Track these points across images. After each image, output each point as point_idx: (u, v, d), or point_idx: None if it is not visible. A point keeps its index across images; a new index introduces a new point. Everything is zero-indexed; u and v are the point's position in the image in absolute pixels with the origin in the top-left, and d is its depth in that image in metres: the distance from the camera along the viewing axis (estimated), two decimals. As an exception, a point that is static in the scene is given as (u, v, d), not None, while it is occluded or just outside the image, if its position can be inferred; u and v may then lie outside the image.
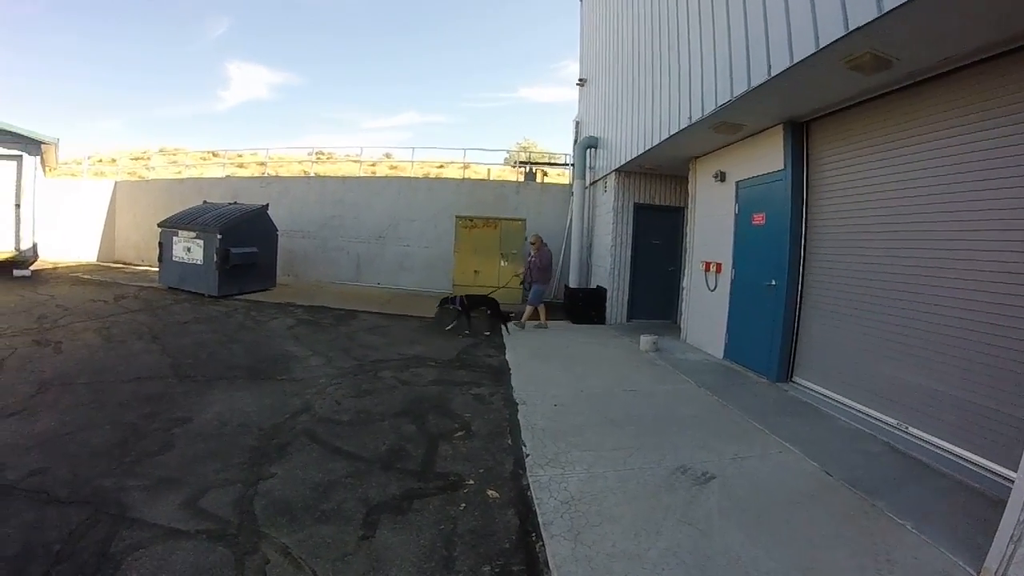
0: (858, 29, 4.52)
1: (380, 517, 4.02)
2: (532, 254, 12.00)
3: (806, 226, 7.24)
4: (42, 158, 17.53)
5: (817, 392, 6.82)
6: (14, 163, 16.63)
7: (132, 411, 6.16)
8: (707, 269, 9.44)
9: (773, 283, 7.52)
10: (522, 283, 12.54)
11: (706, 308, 9.52)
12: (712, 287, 9.25)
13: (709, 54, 7.42)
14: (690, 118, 7.98)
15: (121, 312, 11.87)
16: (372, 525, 3.91)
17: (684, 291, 10.63)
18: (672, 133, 8.67)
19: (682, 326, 10.59)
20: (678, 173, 11.37)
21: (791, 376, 7.37)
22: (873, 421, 5.82)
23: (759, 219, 8.12)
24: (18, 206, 16.66)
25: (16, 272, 16.37)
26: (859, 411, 6.09)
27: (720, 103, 7.09)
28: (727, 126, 7.98)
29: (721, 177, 9.19)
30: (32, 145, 16.78)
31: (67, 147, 19.01)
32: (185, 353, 8.70)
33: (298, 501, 4.25)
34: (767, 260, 7.74)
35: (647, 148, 9.86)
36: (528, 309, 11.94)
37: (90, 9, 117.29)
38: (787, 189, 7.35)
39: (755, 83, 6.21)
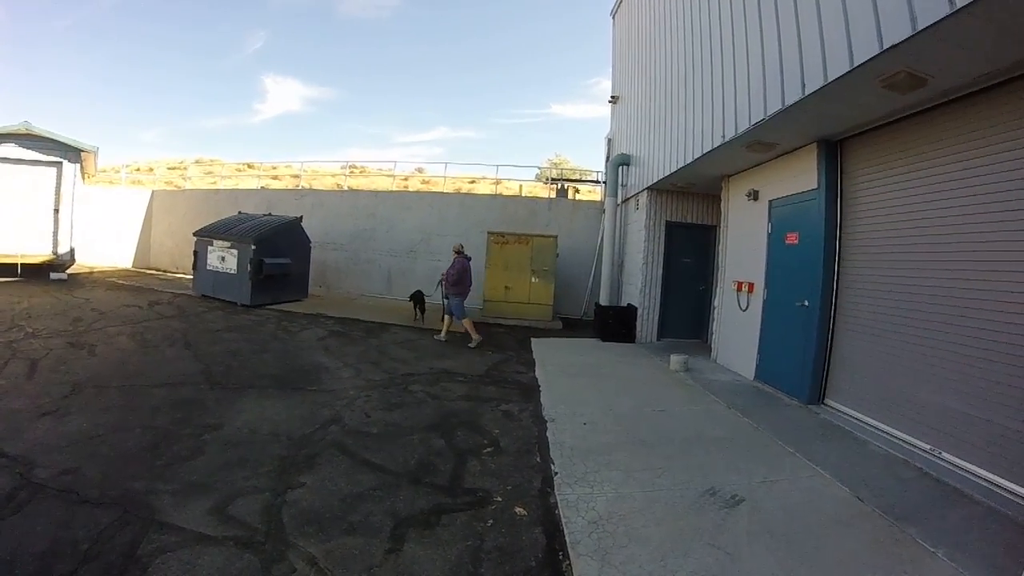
0: (893, 47, 4.49)
1: (408, 531, 4.04)
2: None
3: (840, 246, 7.14)
4: (81, 166, 18.10)
5: (849, 415, 6.70)
6: (54, 169, 17.26)
7: (164, 416, 6.28)
8: (739, 289, 9.34)
9: (806, 304, 7.42)
10: (444, 297, 12.08)
11: (737, 328, 9.42)
12: (744, 307, 9.17)
13: (742, 72, 7.41)
14: (723, 136, 7.94)
15: (155, 318, 12.11)
16: (400, 538, 3.93)
17: (715, 310, 10.52)
18: (705, 151, 8.63)
19: (713, 346, 10.46)
20: (710, 191, 11.31)
21: (823, 398, 7.25)
22: (906, 446, 5.70)
23: (792, 239, 8.03)
24: (57, 211, 17.27)
25: (53, 275, 16.93)
26: (892, 435, 5.97)
27: (754, 121, 7.04)
28: (760, 145, 7.93)
29: (754, 196, 9.12)
30: (72, 153, 17.39)
31: (106, 156, 19.52)
32: (217, 360, 8.84)
33: (326, 511, 4.29)
34: (800, 280, 7.64)
35: (679, 166, 9.82)
36: (447, 320, 11.89)
37: (131, 25, 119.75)
38: (821, 208, 7.27)
39: (789, 102, 6.16)
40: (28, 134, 16.77)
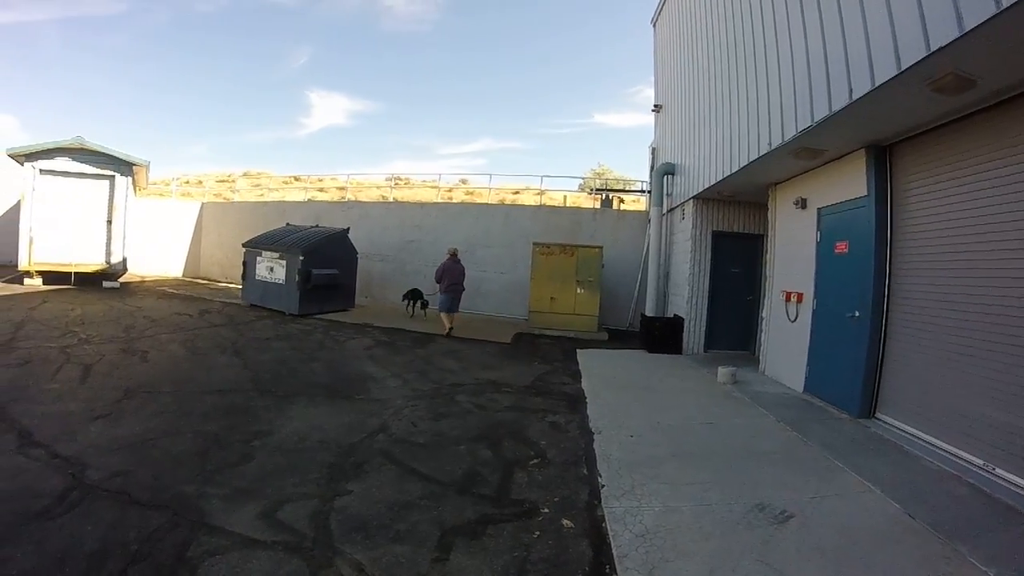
0: (940, 49, 4.41)
1: (454, 540, 4.06)
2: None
3: (891, 255, 6.98)
4: (133, 179, 18.73)
5: (901, 429, 6.52)
6: (107, 182, 17.87)
7: (214, 422, 6.42)
8: (787, 299, 9.20)
9: (856, 314, 7.27)
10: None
11: (786, 339, 9.27)
12: (792, 318, 9.03)
13: (787, 78, 7.33)
14: (769, 144, 7.86)
15: (205, 326, 12.40)
16: (446, 548, 3.95)
17: (763, 321, 10.37)
18: (751, 160, 8.54)
19: (761, 357, 10.33)
20: (757, 200, 11.14)
21: (874, 412, 7.07)
22: (958, 461, 5.54)
23: (842, 247, 7.89)
24: (110, 222, 17.86)
25: (106, 284, 17.59)
26: (944, 450, 5.80)
27: (800, 128, 6.96)
28: (807, 152, 7.80)
29: (802, 204, 8.98)
30: (124, 166, 18.00)
31: (157, 169, 20.16)
32: (266, 368, 9.00)
33: (373, 519, 4.33)
34: (850, 290, 7.50)
35: (725, 175, 9.76)
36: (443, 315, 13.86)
37: (181, 41, 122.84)
38: (870, 216, 7.13)
39: (836, 107, 6.08)
40: (82, 148, 17.38)
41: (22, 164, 17.19)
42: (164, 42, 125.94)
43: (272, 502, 4.52)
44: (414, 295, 16.32)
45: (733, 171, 9.35)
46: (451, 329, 13.56)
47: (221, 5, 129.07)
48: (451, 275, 13.91)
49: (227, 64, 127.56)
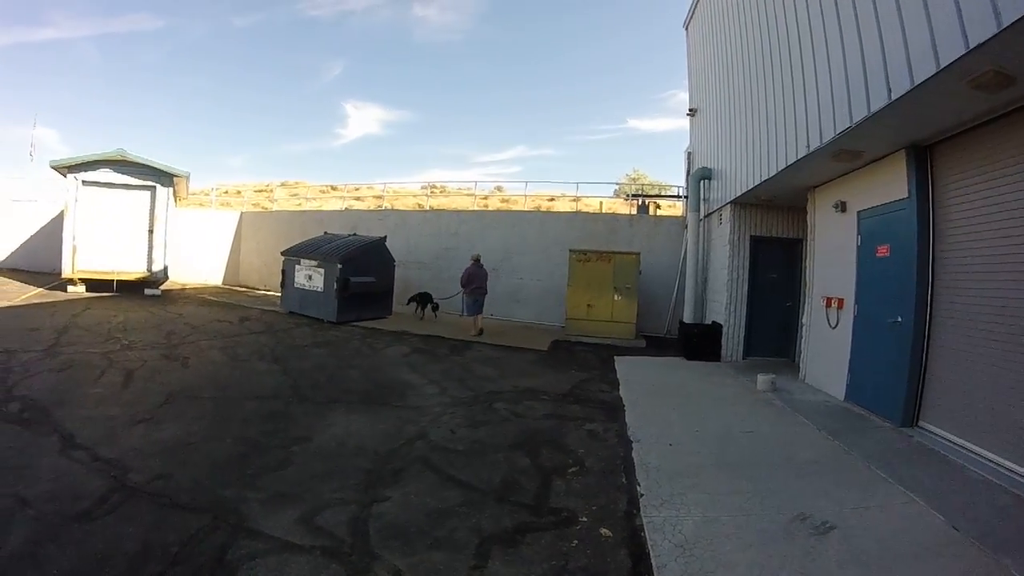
0: (979, 46, 4.33)
1: (492, 548, 4.07)
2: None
3: (933, 258, 6.81)
4: (174, 189, 19.12)
5: (944, 438, 6.36)
6: (148, 193, 18.27)
7: (253, 427, 6.53)
8: (828, 305, 9.04)
9: (898, 320, 7.12)
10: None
11: (826, 346, 9.12)
12: (833, 324, 8.88)
13: (824, 79, 7.25)
14: (808, 146, 7.77)
15: (245, 333, 12.59)
16: (484, 555, 3.97)
17: (803, 328, 10.21)
18: (789, 163, 8.46)
19: (801, 365, 10.17)
20: (796, 204, 10.95)
21: (917, 421, 6.90)
22: (1004, 471, 5.39)
23: (883, 251, 7.75)
24: (151, 231, 18.26)
25: (147, 291, 17.92)
26: (989, 460, 5.65)
27: (839, 130, 6.86)
28: (847, 153, 7.69)
29: (841, 207, 8.84)
30: (164, 177, 18.39)
31: (196, 180, 20.59)
32: (305, 375, 9.11)
33: (411, 526, 4.36)
34: (892, 295, 7.35)
35: (763, 179, 9.67)
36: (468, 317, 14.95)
37: (218, 55, 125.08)
38: (911, 218, 6.97)
39: (875, 108, 5.99)
40: (123, 160, 17.81)
41: (65, 176, 17.67)
42: (201, 56, 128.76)
43: (311, 507, 4.58)
44: (423, 298, 16.92)
45: (771, 175, 9.27)
46: (481, 331, 14.36)
47: (256, 20, 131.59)
48: (476, 280, 14.78)
49: (264, 77, 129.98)
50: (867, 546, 4.02)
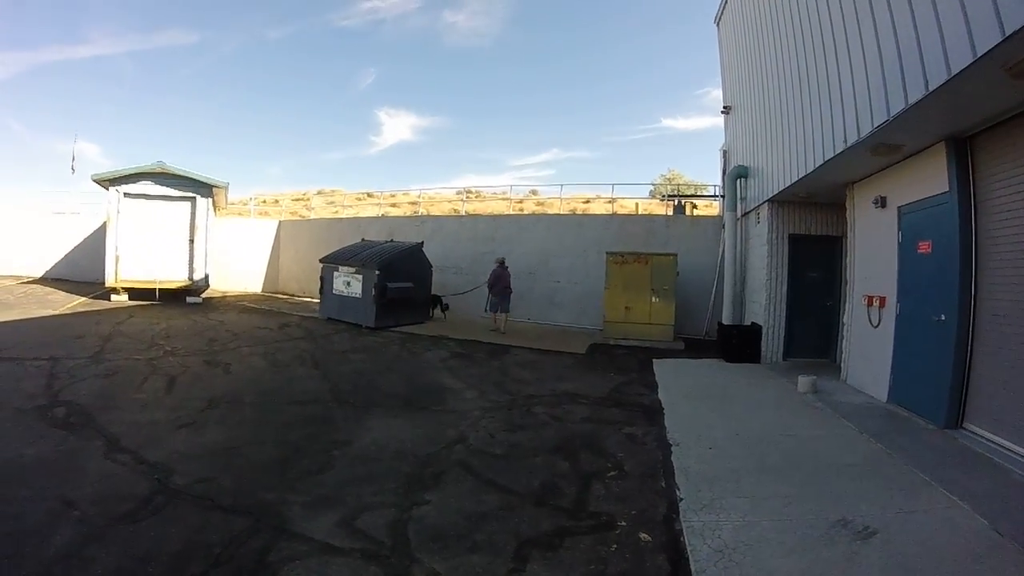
0: (1015, 33, 4.23)
1: (531, 552, 4.10)
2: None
3: (976, 253, 6.62)
4: (213, 199, 19.62)
5: (989, 440, 6.19)
6: (188, 204, 18.77)
7: (294, 431, 6.65)
8: (869, 304, 8.89)
9: (942, 318, 6.97)
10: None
11: (868, 346, 8.96)
12: (875, 323, 8.73)
13: (860, 71, 7.12)
14: (845, 141, 7.62)
15: (285, 339, 12.81)
16: (523, 559, 3.99)
17: (844, 327, 10.03)
18: (827, 158, 8.30)
19: (842, 365, 9.97)
20: (835, 200, 10.76)
21: (961, 422, 6.72)
22: (1052, 474, 5.25)
23: (924, 247, 7.57)
24: (191, 241, 18.76)
25: (189, 299, 18.45)
26: (1036, 462, 5.52)
27: (877, 123, 6.70)
28: (885, 147, 7.52)
29: (881, 203, 8.67)
30: (204, 188, 18.90)
31: (235, 189, 21.24)
32: (344, 380, 9.25)
33: (450, 529, 4.40)
34: (935, 293, 7.18)
35: (800, 176, 9.53)
36: (492, 316, 15.93)
37: (253, 67, 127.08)
38: (953, 212, 6.78)
39: (913, 99, 5.84)
40: (163, 172, 18.36)
41: (107, 189, 18.23)
42: (237, 69, 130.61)
43: (351, 510, 4.66)
44: (433, 300, 17.56)
45: (808, 172, 9.13)
46: (501, 329, 15.47)
47: (289, 32, 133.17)
48: (502, 281, 15.72)
49: (298, 87, 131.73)
50: (909, 551, 3.96)
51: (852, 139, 7.43)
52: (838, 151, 7.90)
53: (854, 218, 9.79)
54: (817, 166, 8.73)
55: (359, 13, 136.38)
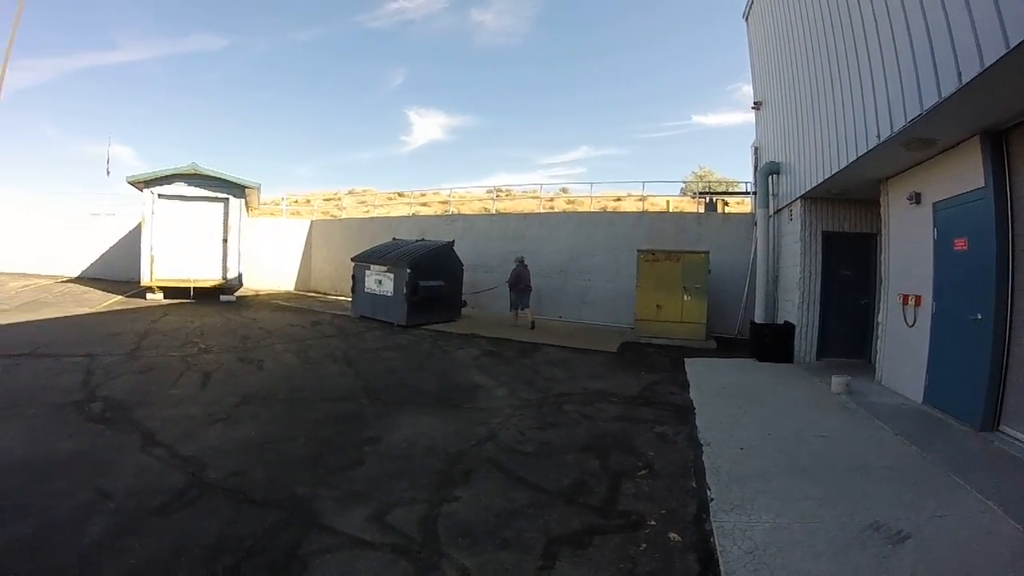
0: None
1: (560, 549, 4.13)
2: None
3: (1013, 251, 6.47)
4: (246, 200, 20.04)
5: None
6: (221, 204, 19.20)
7: (326, 427, 6.76)
8: (904, 302, 8.74)
9: (978, 317, 6.83)
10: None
11: (904, 346, 8.80)
12: (910, 322, 8.58)
13: (892, 65, 6.97)
14: (878, 136, 7.46)
15: (317, 337, 12.99)
16: (551, 557, 4.02)
17: (879, 327, 9.89)
18: (860, 154, 8.14)
19: (877, 365, 9.81)
20: (869, 196, 10.62)
21: (998, 424, 6.57)
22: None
23: (960, 244, 7.41)
24: (225, 240, 19.19)
25: (223, 297, 18.89)
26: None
27: (910, 117, 6.56)
28: (919, 142, 7.37)
29: (916, 199, 8.51)
30: (236, 189, 19.34)
31: (266, 190, 21.55)
32: (376, 377, 9.35)
33: (480, 525, 4.45)
34: (971, 291, 7.03)
35: (833, 172, 9.36)
36: (515, 313, 16.33)
37: (283, 69, 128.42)
38: (989, 208, 6.63)
39: (946, 93, 5.71)
40: (196, 174, 18.78)
41: (141, 190, 18.72)
42: (266, 71, 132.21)
43: (382, 505, 4.74)
44: None
45: (841, 167, 8.97)
46: (533, 323, 15.94)
47: (317, 34, 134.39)
48: (523, 279, 16.13)
49: (328, 88, 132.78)
50: (942, 557, 3.91)
51: (885, 134, 7.28)
52: (871, 146, 7.74)
53: (888, 215, 9.63)
54: (850, 162, 8.57)
55: (387, 14, 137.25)
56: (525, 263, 16.42)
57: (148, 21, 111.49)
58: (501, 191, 30.88)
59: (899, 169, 8.93)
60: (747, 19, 16.30)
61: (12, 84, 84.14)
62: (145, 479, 5.08)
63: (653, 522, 4.58)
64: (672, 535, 4.36)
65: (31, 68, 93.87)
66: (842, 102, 8.79)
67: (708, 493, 5.04)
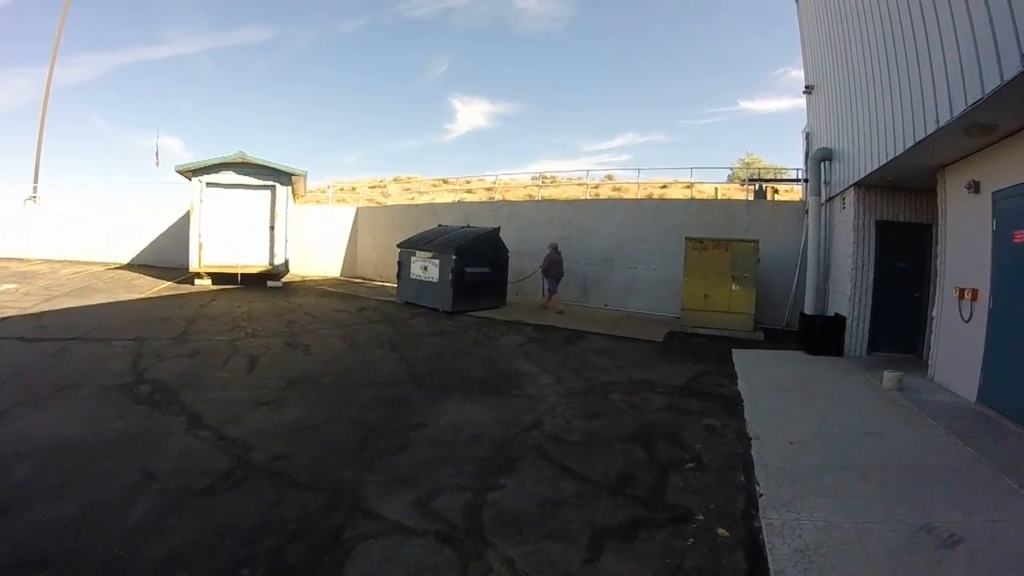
0: None
1: (605, 541, 4.15)
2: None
3: None
4: (293, 188, 20.22)
5: None
6: (268, 192, 19.45)
7: (372, 412, 6.86)
8: (960, 296, 8.43)
9: (1038, 313, 6.66)
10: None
11: (958, 341, 8.52)
12: (966, 317, 8.30)
13: (952, 47, 6.67)
14: (937, 121, 7.15)
15: (363, 322, 13.19)
16: (597, 549, 4.04)
17: (933, 321, 9.61)
18: (917, 140, 7.84)
19: (929, 361, 9.51)
20: (924, 185, 10.27)
21: None
22: None
23: (1020, 236, 7.16)
24: (272, 227, 19.48)
25: (269, 283, 19.22)
26: None
27: (970, 101, 6.28)
28: (979, 128, 7.06)
29: (974, 187, 8.20)
30: (283, 176, 19.51)
31: (312, 178, 21.90)
32: (421, 363, 9.45)
33: (525, 515, 4.48)
34: (1031, 286, 6.83)
35: (888, 159, 9.06)
36: (548, 296, 16.97)
37: (328, 60, 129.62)
38: None
39: (1009, 75, 5.45)
40: (244, 162, 19.02)
41: (190, 179, 19.10)
42: (312, 62, 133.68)
43: (426, 491, 4.79)
44: None
45: (897, 154, 8.66)
46: (561, 310, 16.28)
47: (361, 24, 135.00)
48: (557, 266, 16.61)
49: (372, 77, 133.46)
50: (996, 563, 3.84)
51: (945, 119, 6.98)
52: (929, 132, 7.44)
53: (944, 204, 9.33)
54: (907, 148, 8.26)
55: (429, 2, 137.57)
56: (559, 249, 16.82)
57: (197, 15, 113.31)
58: (546, 178, 30.85)
59: (957, 156, 8.64)
60: (797, 1, 15.95)
61: (65, 79, 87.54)
62: (191, 461, 5.23)
63: (701, 516, 4.57)
64: (720, 531, 4.35)
65: (83, 64, 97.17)
66: (899, 85, 8.51)
67: (757, 488, 5.01)
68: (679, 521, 4.50)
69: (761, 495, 4.86)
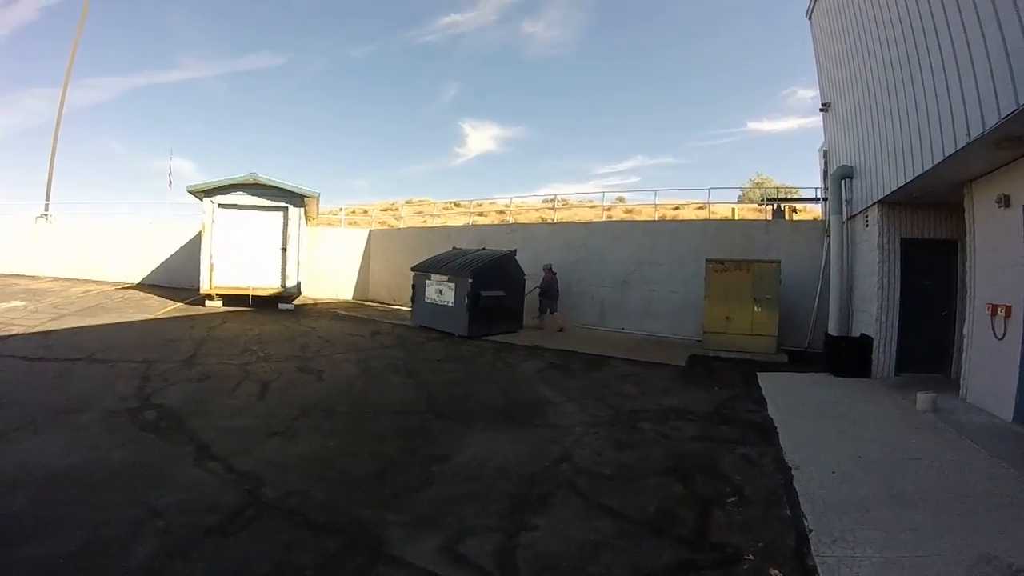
0: None
1: (652, 588, 3.89)
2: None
3: None
4: (305, 209, 20.24)
5: None
6: (280, 213, 19.40)
7: (390, 443, 6.63)
8: (993, 313, 8.25)
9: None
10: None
11: (992, 360, 8.33)
12: (999, 335, 8.10)
13: (981, 58, 6.55)
14: (968, 135, 6.99)
15: (377, 347, 13.06)
16: (643, 596, 3.80)
17: (964, 339, 9.35)
18: (946, 155, 7.68)
19: (961, 381, 9.28)
20: (950, 200, 10.07)
21: None
22: None
23: None
24: (284, 249, 19.37)
25: (281, 306, 19.15)
26: None
27: (1004, 114, 6.11)
28: (1010, 141, 6.88)
29: (1005, 202, 8.02)
30: (296, 198, 19.51)
31: (325, 201, 22.11)
32: (439, 390, 9.28)
33: (563, 559, 4.23)
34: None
35: (915, 175, 8.90)
36: (540, 318, 17.33)
37: (339, 85, 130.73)
38: None
39: None
40: (256, 183, 19.07)
41: (201, 199, 19.03)
42: (322, 87, 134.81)
43: (454, 533, 4.54)
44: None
45: (925, 169, 8.49)
46: (546, 324, 17.09)
47: (371, 50, 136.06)
48: (554, 286, 17.15)
49: (383, 102, 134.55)
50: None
51: (976, 132, 6.82)
52: (960, 146, 7.27)
53: (973, 219, 9.15)
54: (936, 163, 8.10)
55: (439, 28, 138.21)
56: (553, 270, 17.38)
57: (211, 41, 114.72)
58: (558, 200, 30.81)
59: (984, 170, 8.47)
60: (811, 17, 15.87)
61: (81, 100, 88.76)
62: (198, 495, 5.00)
63: (751, 556, 4.36)
64: (773, 571, 4.15)
65: (97, 86, 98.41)
66: (924, 99, 8.37)
67: (805, 523, 4.81)
68: (728, 562, 4.29)
69: (811, 530, 4.67)
